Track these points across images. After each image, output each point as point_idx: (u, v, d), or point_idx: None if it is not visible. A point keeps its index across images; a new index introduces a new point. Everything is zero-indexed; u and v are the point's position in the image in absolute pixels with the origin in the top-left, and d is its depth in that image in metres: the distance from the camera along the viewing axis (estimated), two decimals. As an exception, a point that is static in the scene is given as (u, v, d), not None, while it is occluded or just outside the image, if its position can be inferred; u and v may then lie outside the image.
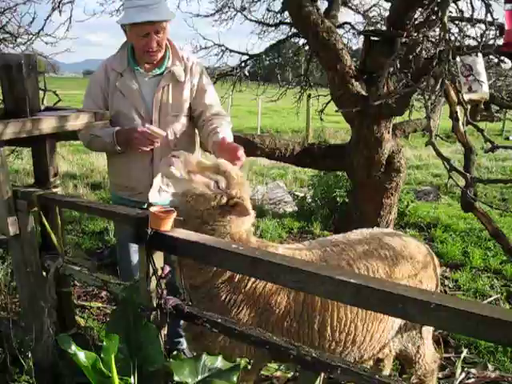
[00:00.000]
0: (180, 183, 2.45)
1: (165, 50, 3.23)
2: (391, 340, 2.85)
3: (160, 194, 3.06)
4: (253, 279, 2.52)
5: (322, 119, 6.50)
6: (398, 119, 5.32)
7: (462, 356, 3.79)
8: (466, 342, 4.02)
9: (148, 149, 3.15)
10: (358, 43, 7.20)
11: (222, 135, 2.98)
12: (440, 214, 7.56)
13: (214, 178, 2.46)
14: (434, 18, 3.16)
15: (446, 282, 5.27)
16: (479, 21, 2.82)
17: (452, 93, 2.84)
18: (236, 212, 2.46)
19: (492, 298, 4.83)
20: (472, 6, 2.69)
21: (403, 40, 3.69)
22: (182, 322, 3.16)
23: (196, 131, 3.46)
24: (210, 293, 2.53)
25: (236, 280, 2.51)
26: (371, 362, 3.05)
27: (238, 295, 2.52)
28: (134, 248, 3.44)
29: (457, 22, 4.29)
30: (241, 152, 2.74)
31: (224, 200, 2.44)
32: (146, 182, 3.23)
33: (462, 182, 3.16)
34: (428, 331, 2.99)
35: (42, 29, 5.70)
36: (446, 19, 2.46)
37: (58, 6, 5.26)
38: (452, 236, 6.63)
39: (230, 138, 3.05)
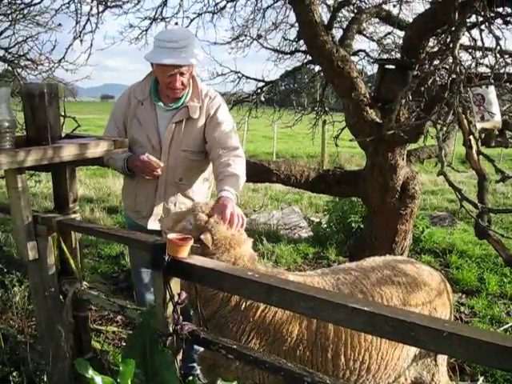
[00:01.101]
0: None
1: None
2: (407, 368, 2.84)
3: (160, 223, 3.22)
4: (262, 307, 2.54)
5: (337, 145, 6.54)
6: (413, 145, 5.34)
7: (478, 384, 3.77)
8: (481, 370, 3.98)
9: (150, 177, 3.23)
10: (372, 69, 7.27)
11: (221, 192, 2.88)
12: (456, 239, 7.51)
13: (187, 218, 2.64)
14: (445, 48, 3.21)
15: (462, 309, 5.23)
16: (489, 49, 2.86)
17: (465, 121, 2.87)
18: (203, 245, 2.52)
19: (508, 325, 4.79)
20: (482, 38, 2.73)
21: (415, 73, 3.74)
22: (195, 347, 3.18)
23: (211, 167, 3.44)
24: (219, 323, 2.57)
25: (242, 308, 2.54)
26: None
27: (247, 324, 2.54)
28: (149, 273, 3.50)
29: (470, 50, 4.34)
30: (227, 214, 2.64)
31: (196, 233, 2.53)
32: (148, 208, 3.36)
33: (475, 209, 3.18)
34: (443, 358, 2.98)
35: (64, 57, 5.83)
36: (456, 52, 2.50)
37: (80, 36, 5.39)
38: (468, 262, 6.58)
39: (231, 186, 2.93)
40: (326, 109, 7.84)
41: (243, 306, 2.54)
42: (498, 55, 2.67)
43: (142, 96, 3.33)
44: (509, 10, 3.60)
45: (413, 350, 2.80)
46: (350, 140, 4.08)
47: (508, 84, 3.72)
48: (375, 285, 2.73)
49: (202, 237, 2.50)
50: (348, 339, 2.59)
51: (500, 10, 3.56)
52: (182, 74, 3.13)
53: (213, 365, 2.65)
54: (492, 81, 2.53)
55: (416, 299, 2.75)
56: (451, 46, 2.62)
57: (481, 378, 3.86)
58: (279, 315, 2.55)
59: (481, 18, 2.81)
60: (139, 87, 3.38)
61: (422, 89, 2.84)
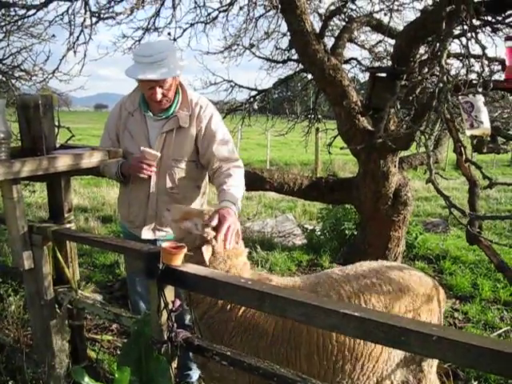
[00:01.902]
0: (173, 231, 2.77)
1: (175, 94, 3.30)
2: (392, 372, 2.86)
3: (154, 233, 3.42)
4: (243, 308, 2.64)
5: (330, 153, 6.59)
6: (405, 152, 5.38)
7: (471, 389, 3.79)
8: (475, 375, 4.01)
9: (146, 176, 3.24)
10: (364, 77, 7.33)
11: (223, 203, 2.92)
12: (449, 245, 7.53)
13: (195, 221, 2.67)
14: (433, 57, 3.25)
15: (456, 315, 5.26)
16: (478, 57, 2.91)
17: (453, 129, 2.92)
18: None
19: (502, 331, 4.82)
20: (468, 47, 2.78)
21: (402, 83, 3.79)
22: (191, 354, 3.21)
23: (204, 175, 3.49)
24: (207, 323, 2.66)
25: (228, 309, 2.64)
26: None
27: (230, 323, 2.65)
28: (144, 282, 3.52)
29: (461, 58, 4.40)
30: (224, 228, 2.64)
31: (199, 241, 2.61)
32: (141, 218, 3.39)
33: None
34: (430, 365, 2.99)
35: (57, 68, 5.87)
36: (443, 62, 2.55)
37: (73, 47, 5.43)
38: (461, 268, 6.61)
39: (231, 196, 2.99)
40: (319, 116, 7.90)
41: (228, 307, 2.64)
42: (484, 64, 2.72)
43: (132, 107, 3.35)
44: (499, 18, 3.66)
45: (396, 354, 2.82)
46: (341, 148, 4.12)
47: (498, 91, 3.77)
48: (355, 288, 2.76)
49: (203, 248, 2.55)
50: (320, 338, 2.65)
51: (489, 18, 3.62)
52: (161, 86, 3.12)
53: (204, 366, 2.73)
54: (479, 89, 2.58)
55: (399, 304, 2.76)
56: (439, 54, 2.67)
57: (474, 383, 3.88)
58: (258, 315, 2.65)
59: (466, 28, 2.86)
60: (129, 99, 3.40)
61: (411, 98, 2.88)
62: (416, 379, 2.94)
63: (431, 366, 3.01)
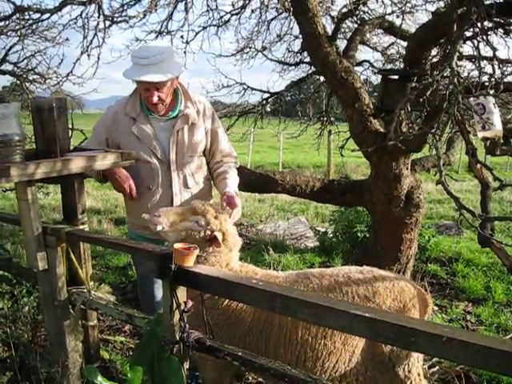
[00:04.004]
0: (169, 235, 2.87)
1: (176, 94, 3.37)
2: (357, 373, 2.96)
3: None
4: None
5: (342, 155, 6.58)
6: (418, 154, 5.37)
7: (484, 392, 3.78)
8: (487, 378, 3.99)
9: (128, 192, 3.33)
10: (377, 79, 7.31)
11: (226, 187, 3.31)
12: (462, 248, 7.51)
13: (194, 219, 2.84)
14: (444, 59, 3.25)
15: (468, 317, 5.25)
16: (489, 59, 2.91)
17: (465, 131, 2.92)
18: (214, 244, 2.82)
19: (515, 333, 4.80)
20: (478, 49, 2.78)
21: (414, 85, 3.79)
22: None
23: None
24: (194, 309, 2.69)
25: (215, 296, 2.81)
26: None
27: (216, 310, 2.84)
28: (156, 283, 3.53)
29: (473, 60, 4.38)
30: (236, 211, 3.09)
31: (204, 234, 2.81)
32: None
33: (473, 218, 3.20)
34: (406, 369, 3.00)
35: (71, 71, 5.92)
36: (454, 64, 2.55)
37: (87, 50, 5.47)
38: (474, 271, 6.59)
39: (233, 185, 3.39)
40: (332, 119, 7.88)
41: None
42: (496, 65, 2.72)
43: (135, 112, 3.35)
44: (510, 20, 3.65)
45: (358, 357, 2.92)
46: (353, 150, 4.12)
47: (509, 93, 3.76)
48: (322, 289, 2.91)
49: (216, 233, 2.78)
50: (288, 333, 2.85)
51: (501, 20, 3.61)
52: (157, 89, 3.17)
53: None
54: (490, 91, 2.58)
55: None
56: (449, 57, 2.67)
57: (487, 386, 3.87)
58: (240, 305, 2.84)
59: (478, 30, 2.86)
60: (128, 104, 3.38)
61: (422, 100, 2.88)
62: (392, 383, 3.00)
63: (409, 372, 3.01)
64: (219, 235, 2.79)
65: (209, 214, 2.85)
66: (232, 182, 3.39)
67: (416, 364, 3.04)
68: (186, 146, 3.40)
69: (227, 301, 2.85)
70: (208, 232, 2.80)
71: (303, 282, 2.95)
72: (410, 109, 3.27)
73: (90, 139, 3.56)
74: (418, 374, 3.06)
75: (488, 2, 3.09)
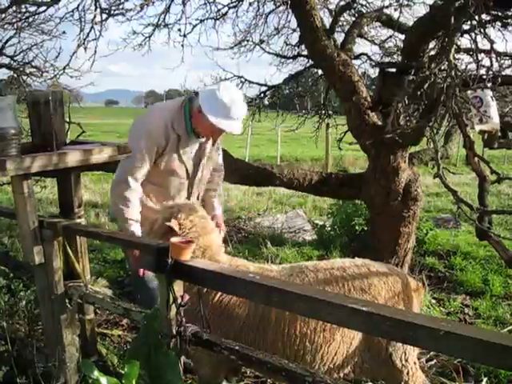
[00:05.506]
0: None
1: None
2: (354, 363, 2.99)
3: None
4: (219, 294, 2.84)
5: (340, 148, 6.56)
6: (415, 148, 5.36)
7: (482, 385, 3.78)
8: (485, 371, 3.99)
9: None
10: (375, 73, 7.29)
11: (216, 211, 3.90)
12: (460, 241, 7.50)
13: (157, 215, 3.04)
14: (441, 52, 3.24)
15: (466, 310, 5.24)
16: (485, 51, 2.90)
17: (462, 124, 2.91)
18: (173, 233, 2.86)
19: (512, 326, 4.80)
20: (476, 42, 2.77)
21: (410, 77, 3.78)
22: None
23: None
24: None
25: (205, 291, 2.81)
26: None
27: (207, 306, 2.80)
28: (151, 277, 3.54)
29: (471, 53, 4.37)
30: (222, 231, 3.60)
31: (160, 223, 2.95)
32: None
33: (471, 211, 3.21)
34: (403, 358, 3.02)
35: (68, 64, 5.90)
36: (451, 57, 2.54)
37: (84, 43, 5.44)
38: (472, 264, 6.57)
39: (220, 207, 4.01)
40: (330, 112, 7.87)
41: (204, 290, 2.81)
42: (493, 58, 2.71)
43: (181, 131, 3.42)
44: (508, 13, 3.64)
45: (354, 347, 2.94)
46: (350, 143, 4.12)
47: (510, 86, 3.74)
48: (318, 282, 2.92)
49: (170, 223, 2.84)
50: (285, 328, 2.84)
51: (499, 13, 3.59)
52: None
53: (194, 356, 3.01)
54: (488, 84, 2.57)
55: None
56: (447, 49, 2.66)
57: (484, 379, 3.86)
58: (234, 300, 2.84)
59: (475, 23, 2.84)
60: (176, 121, 3.39)
61: (419, 93, 2.87)
62: (389, 373, 3.04)
63: (406, 361, 3.04)
64: (174, 222, 2.86)
65: (167, 208, 3.01)
66: (218, 202, 3.96)
67: (412, 353, 3.06)
68: (211, 162, 3.75)
69: (218, 296, 2.86)
70: (160, 221, 2.92)
71: (298, 276, 2.96)
72: (407, 102, 3.26)
73: (137, 157, 3.30)
74: (414, 363, 3.08)
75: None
